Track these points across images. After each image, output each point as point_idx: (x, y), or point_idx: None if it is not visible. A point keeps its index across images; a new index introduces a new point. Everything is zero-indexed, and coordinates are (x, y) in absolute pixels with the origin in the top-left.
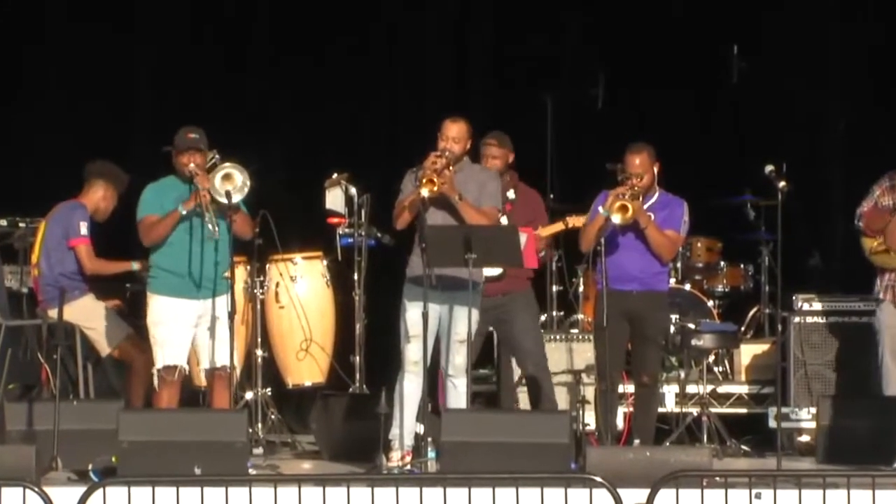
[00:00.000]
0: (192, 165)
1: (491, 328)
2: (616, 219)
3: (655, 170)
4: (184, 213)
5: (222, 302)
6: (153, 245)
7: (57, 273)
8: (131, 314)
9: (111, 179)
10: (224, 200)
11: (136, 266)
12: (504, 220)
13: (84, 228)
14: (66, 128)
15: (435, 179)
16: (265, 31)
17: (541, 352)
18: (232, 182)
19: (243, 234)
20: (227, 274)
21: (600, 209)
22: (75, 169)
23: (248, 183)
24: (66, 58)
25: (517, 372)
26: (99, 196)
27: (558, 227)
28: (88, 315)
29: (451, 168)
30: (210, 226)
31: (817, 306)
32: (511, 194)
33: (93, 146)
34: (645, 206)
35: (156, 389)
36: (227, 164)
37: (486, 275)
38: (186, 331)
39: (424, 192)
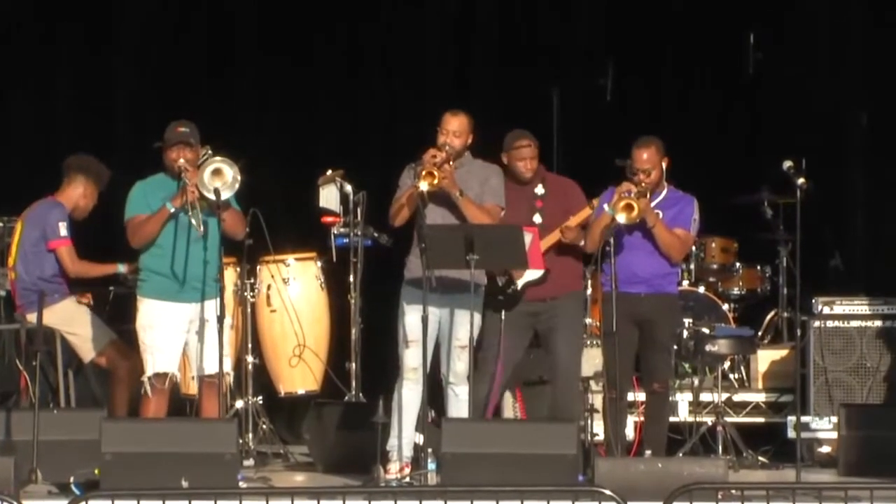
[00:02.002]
0: (181, 161)
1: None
2: (621, 218)
3: (664, 165)
4: (172, 210)
5: (212, 305)
6: (141, 246)
7: (35, 277)
8: (115, 318)
9: (91, 175)
10: (213, 197)
11: (122, 269)
12: (537, 218)
13: (63, 229)
14: (43, 122)
15: (435, 173)
16: (254, 23)
17: (574, 367)
18: (221, 178)
19: (234, 232)
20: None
21: (605, 207)
22: (53, 164)
23: (239, 178)
24: (43, 52)
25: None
26: (79, 193)
27: (585, 213)
28: (69, 319)
29: (451, 163)
30: (194, 221)
31: (838, 310)
32: (540, 189)
33: (72, 141)
34: (653, 204)
35: (142, 398)
36: (217, 158)
37: (527, 279)
38: (178, 336)
39: (423, 186)
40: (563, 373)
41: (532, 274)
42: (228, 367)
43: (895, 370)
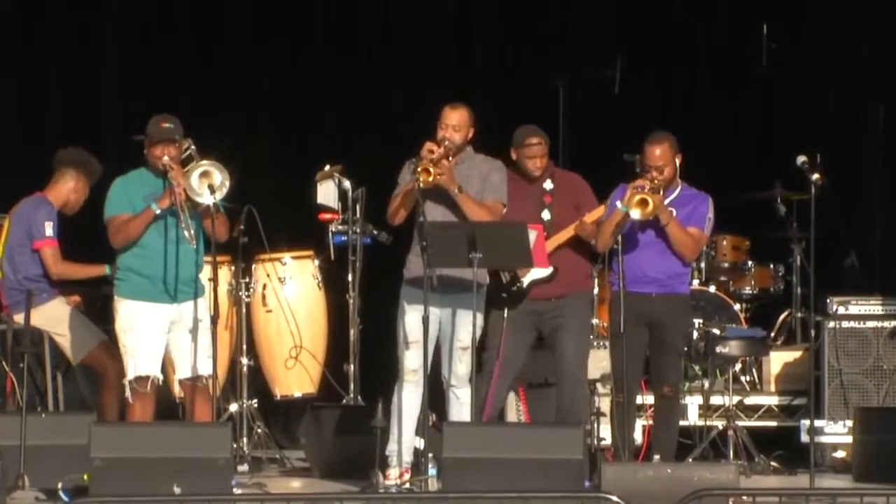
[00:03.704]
0: (165, 158)
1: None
2: (635, 214)
3: (677, 162)
4: (157, 211)
5: (191, 306)
6: (123, 246)
7: (21, 277)
8: (104, 319)
9: (83, 169)
10: (201, 201)
11: (109, 270)
12: (546, 215)
13: (49, 229)
14: (30, 115)
15: (431, 169)
16: (248, 12)
17: (580, 367)
18: (210, 181)
19: (218, 236)
20: (209, 276)
21: (618, 204)
22: (41, 159)
23: (227, 183)
24: (28, 42)
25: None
26: (69, 188)
27: (599, 211)
28: (57, 320)
29: (450, 158)
30: (186, 233)
31: (854, 310)
32: (549, 184)
33: (60, 135)
34: (666, 202)
35: (127, 402)
36: (205, 161)
37: (534, 277)
38: (158, 338)
39: (420, 183)
40: (570, 374)
41: (540, 272)
42: (209, 369)
43: None
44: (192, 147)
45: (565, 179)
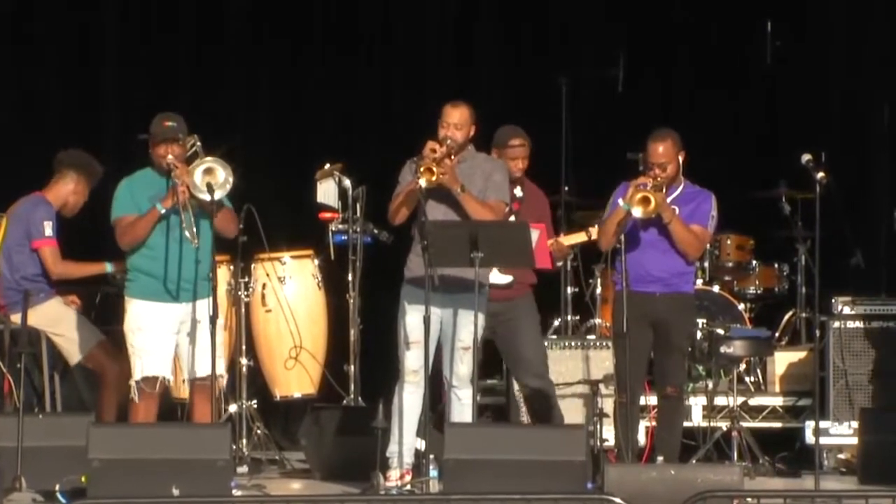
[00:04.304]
0: (169, 157)
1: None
2: (637, 212)
3: (680, 159)
4: (162, 211)
5: (203, 306)
6: (131, 247)
7: (19, 276)
8: (103, 319)
9: (84, 171)
10: (205, 198)
11: (109, 268)
12: (512, 220)
13: (48, 228)
14: (28, 115)
15: (434, 169)
16: (247, 12)
17: (543, 362)
18: (213, 178)
19: (226, 232)
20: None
21: (620, 202)
22: (40, 158)
23: (231, 180)
24: (26, 41)
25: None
26: (69, 189)
27: (580, 237)
28: (55, 320)
29: (452, 157)
30: (188, 233)
31: (859, 310)
32: (518, 192)
33: (59, 134)
34: (669, 200)
35: (131, 402)
36: (209, 158)
37: (493, 281)
38: (168, 338)
39: (422, 183)
40: (530, 359)
41: (499, 277)
42: (222, 369)
43: None
44: (198, 144)
45: (534, 192)
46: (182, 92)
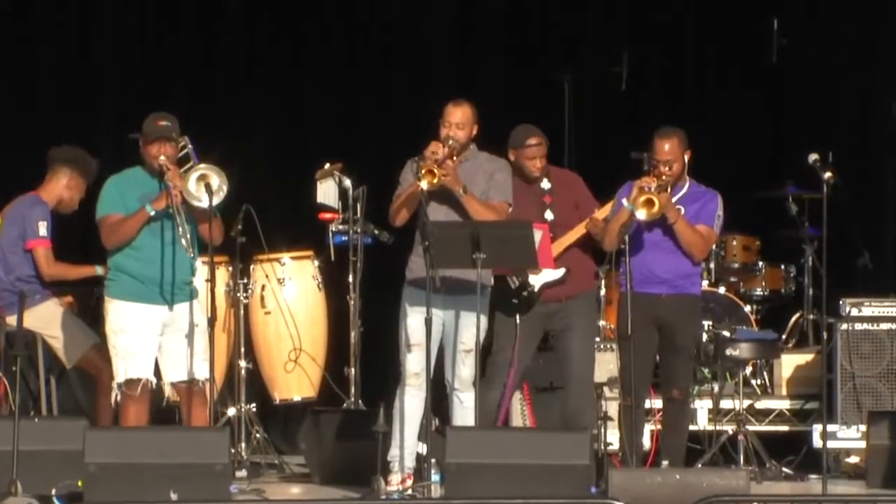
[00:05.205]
0: (162, 158)
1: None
2: (640, 214)
3: (686, 158)
4: (152, 213)
5: (185, 308)
6: (115, 247)
7: (14, 278)
8: (99, 321)
9: (76, 166)
10: (198, 204)
11: (100, 271)
12: (549, 215)
13: (43, 229)
14: (23, 111)
15: (435, 170)
16: (246, 12)
17: (588, 369)
18: (208, 184)
19: (214, 239)
20: (206, 278)
21: (624, 202)
22: (35, 156)
23: (225, 188)
24: (20, 37)
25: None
26: (62, 185)
27: (604, 210)
28: (51, 322)
29: (454, 157)
30: (182, 240)
31: (867, 311)
32: (546, 184)
33: (55, 134)
34: (674, 199)
35: (119, 405)
36: (203, 165)
37: (545, 280)
38: (150, 340)
39: (424, 185)
40: (578, 377)
41: (551, 274)
42: (206, 373)
43: None
44: (189, 146)
45: (561, 177)
46: (180, 92)
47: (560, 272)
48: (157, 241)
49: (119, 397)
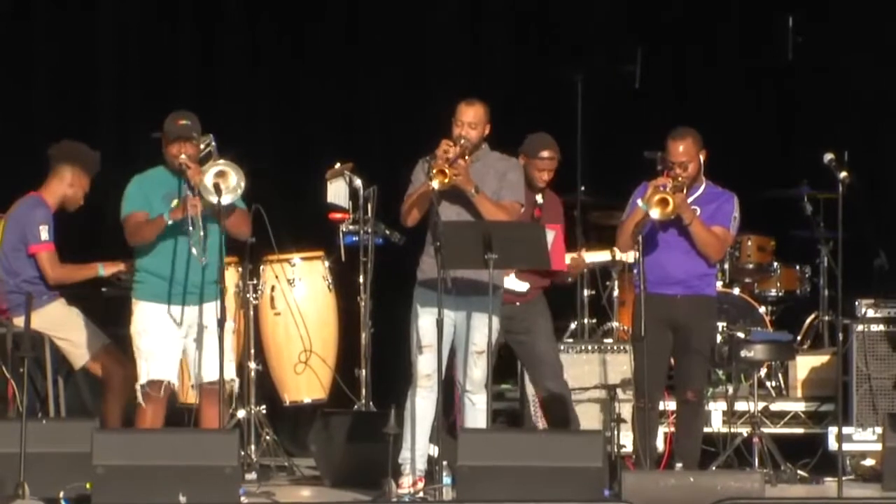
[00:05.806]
0: (182, 157)
1: (503, 341)
2: (655, 214)
3: (701, 158)
4: (170, 222)
5: (211, 309)
6: (136, 246)
7: (19, 280)
8: (108, 322)
9: (78, 162)
10: (214, 201)
11: (102, 270)
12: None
13: (45, 232)
14: (22, 110)
15: (447, 170)
16: (248, 10)
17: (560, 365)
18: (225, 181)
19: (239, 233)
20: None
21: (639, 202)
22: (35, 155)
23: (243, 184)
24: (25, 39)
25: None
26: (66, 183)
27: (604, 255)
28: (59, 323)
29: (466, 157)
30: (195, 250)
31: (883, 313)
32: (540, 199)
33: (54, 134)
34: (689, 200)
35: (138, 406)
36: (222, 161)
37: (509, 287)
38: (175, 341)
39: (435, 185)
40: (553, 375)
41: (516, 284)
42: (232, 373)
43: None
44: (213, 144)
45: (552, 200)
46: (184, 92)
47: (525, 286)
48: (180, 242)
49: (141, 398)
